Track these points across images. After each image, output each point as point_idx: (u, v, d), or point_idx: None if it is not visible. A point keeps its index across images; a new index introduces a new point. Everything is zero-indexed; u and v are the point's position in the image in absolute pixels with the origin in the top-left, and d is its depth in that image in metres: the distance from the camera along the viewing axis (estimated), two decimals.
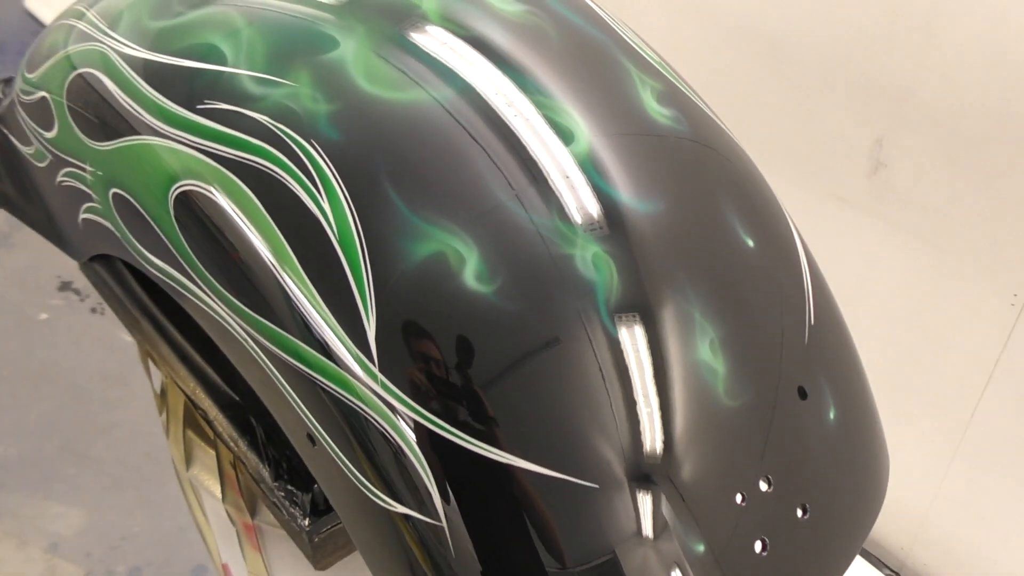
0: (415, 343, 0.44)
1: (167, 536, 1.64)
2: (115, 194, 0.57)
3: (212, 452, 0.64)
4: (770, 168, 0.59)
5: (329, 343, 0.45)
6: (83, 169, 0.60)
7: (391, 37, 0.52)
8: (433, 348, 0.44)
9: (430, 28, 0.52)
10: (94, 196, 0.60)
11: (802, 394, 0.50)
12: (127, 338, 1.93)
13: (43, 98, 0.62)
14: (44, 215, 0.73)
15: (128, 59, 0.54)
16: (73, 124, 0.59)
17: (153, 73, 0.53)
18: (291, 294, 0.46)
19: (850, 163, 1.33)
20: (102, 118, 0.56)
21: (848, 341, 0.56)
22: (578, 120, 0.50)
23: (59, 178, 0.64)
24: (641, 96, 0.53)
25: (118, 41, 0.56)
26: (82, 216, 0.64)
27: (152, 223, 0.53)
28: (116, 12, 0.58)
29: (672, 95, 0.55)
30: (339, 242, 0.46)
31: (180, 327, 0.65)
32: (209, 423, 0.61)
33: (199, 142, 0.50)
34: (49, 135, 0.62)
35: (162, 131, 0.51)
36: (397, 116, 0.48)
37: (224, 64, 0.51)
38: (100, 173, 0.58)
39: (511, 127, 0.49)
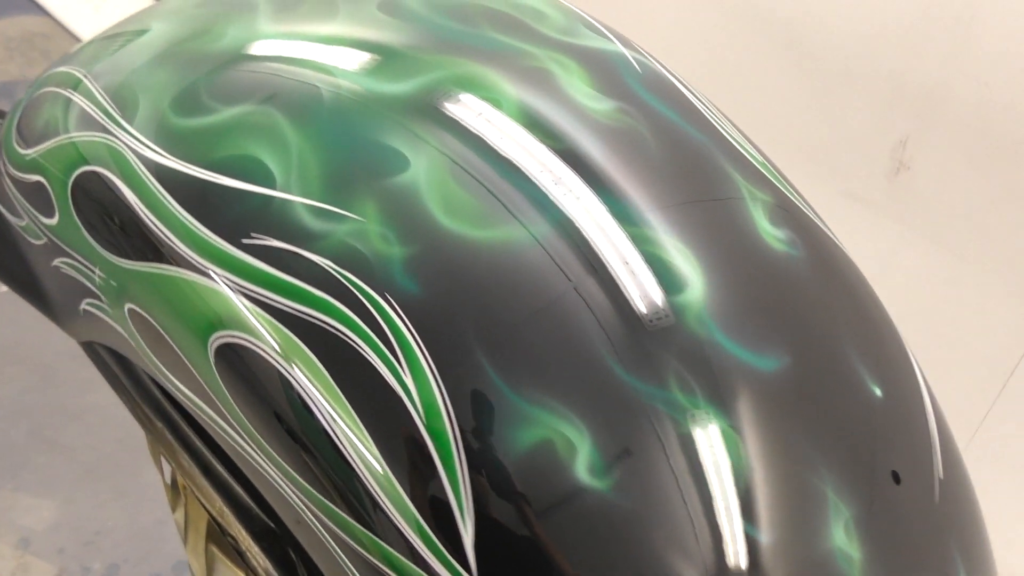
0: (521, 553, 0.38)
1: (144, 530, 1.58)
2: (132, 310, 0.49)
3: (241, 575, 0.58)
4: (784, 162, 0.53)
5: (415, 547, 0.39)
6: (90, 269, 0.52)
7: (470, 150, 0.44)
8: (543, 560, 0.38)
9: (515, 137, 0.44)
10: (103, 299, 0.52)
11: (938, 568, 0.44)
12: None
13: (41, 183, 0.53)
14: (33, 284, 0.64)
15: (151, 166, 0.46)
16: (80, 224, 0.50)
17: (184, 190, 0.45)
18: (367, 484, 0.39)
19: (871, 163, 1.27)
20: (121, 232, 0.47)
21: (970, 484, 0.50)
22: (690, 258, 0.43)
23: (57, 263, 0.56)
24: (753, 216, 0.46)
25: (136, 139, 0.47)
26: (84, 307, 0.56)
27: (184, 359, 0.46)
28: (128, 93, 0.49)
29: (783, 210, 0.48)
30: (426, 427, 0.39)
31: (203, 434, 0.58)
32: (240, 553, 0.54)
33: (247, 287, 0.42)
34: (48, 222, 0.54)
35: (199, 267, 0.43)
36: (485, 262, 0.41)
37: (272, 186, 0.43)
38: (114, 284, 0.50)
39: (618, 277, 0.42)
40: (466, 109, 0.45)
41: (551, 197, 0.43)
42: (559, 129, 0.45)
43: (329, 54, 0.48)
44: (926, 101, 1.20)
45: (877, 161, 1.27)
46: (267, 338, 0.41)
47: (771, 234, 0.46)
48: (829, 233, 0.50)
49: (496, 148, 0.44)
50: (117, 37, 0.55)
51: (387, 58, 0.47)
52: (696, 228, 0.44)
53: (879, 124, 1.25)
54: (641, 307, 0.41)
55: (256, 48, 0.49)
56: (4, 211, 0.61)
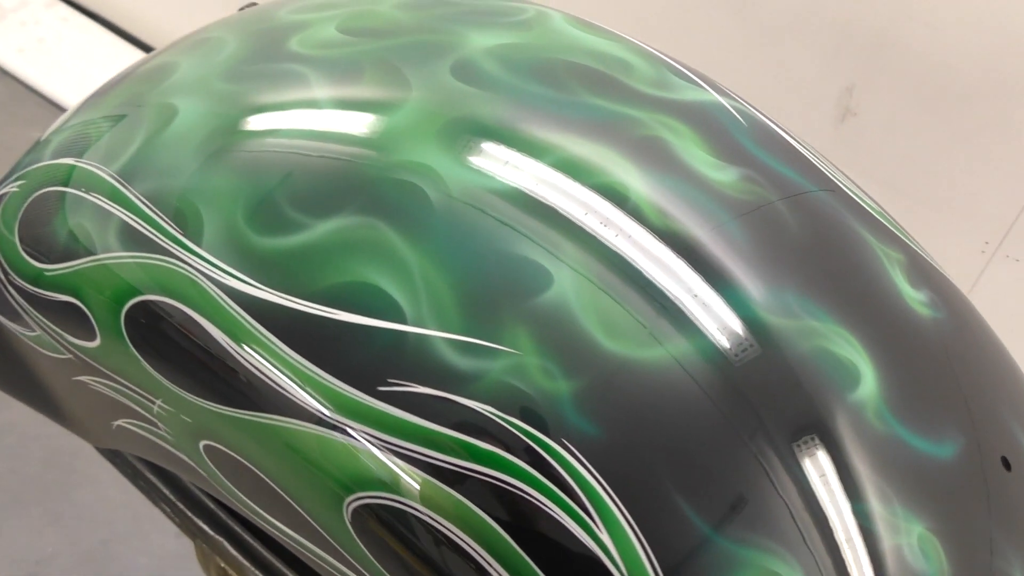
0: None
1: (89, 553, 1.49)
2: (212, 447, 0.43)
3: None
4: None
5: None
6: (147, 399, 0.45)
7: (610, 253, 0.39)
8: None
9: (653, 232, 0.40)
10: (161, 427, 0.46)
11: None
12: None
13: (73, 305, 0.45)
14: (32, 387, 0.56)
15: (241, 299, 0.39)
16: (138, 356, 0.43)
17: (290, 328, 0.38)
18: None
19: (816, 110, 1.27)
20: (206, 373, 0.41)
21: None
22: (855, 344, 0.40)
23: (84, 379, 0.49)
24: (894, 280, 0.43)
25: (211, 265, 0.40)
26: (121, 424, 0.49)
27: (299, 510, 0.40)
28: (185, 205, 0.42)
29: (916, 267, 0.45)
30: None
31: (268, 542, 0.52)
32: None
33: (394, 443, 0.37)
34: (84, 344, 0.46)
35: (327, 420, 0.37)
36: (660, 387, 0.37)
37: (401, 320, 0.37)
38: (187, 420, 0.43)
39: (798, 384, 0.38)
40: (592, 202, 0.40)
41: (707, 300, 0.39)
42: (694, 215, 0.41)
43: (415, 139, 0.42)
44: (873, 47, 1.19)
45: (823, 108, 1.26)
46: (428, 499, 0.36)
47: (914, 298, 0.43)
48: (949, 278, 0.48)
49: (637, 247, 0.39)
50: (133, 121, 0.47)
51: (486, 141, 0.42)
52: (851, 306, 0.41)
53: (825, 71, 1.23)
54: (827, 417, 0.38)
55: (326, 136, 0.43)
56: (9, 323, 0.52)
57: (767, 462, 0.36)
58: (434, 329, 0.37)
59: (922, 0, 1.12)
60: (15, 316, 0.51)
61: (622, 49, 0.49)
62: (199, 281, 0.40)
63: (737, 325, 0.38)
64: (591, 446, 0.36)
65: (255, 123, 0.44)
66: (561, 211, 0.40)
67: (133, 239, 0.43)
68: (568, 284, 0.38)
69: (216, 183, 0.42)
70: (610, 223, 0.40)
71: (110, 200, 0.44)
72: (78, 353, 0.48)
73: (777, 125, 0.49)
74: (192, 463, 0.45)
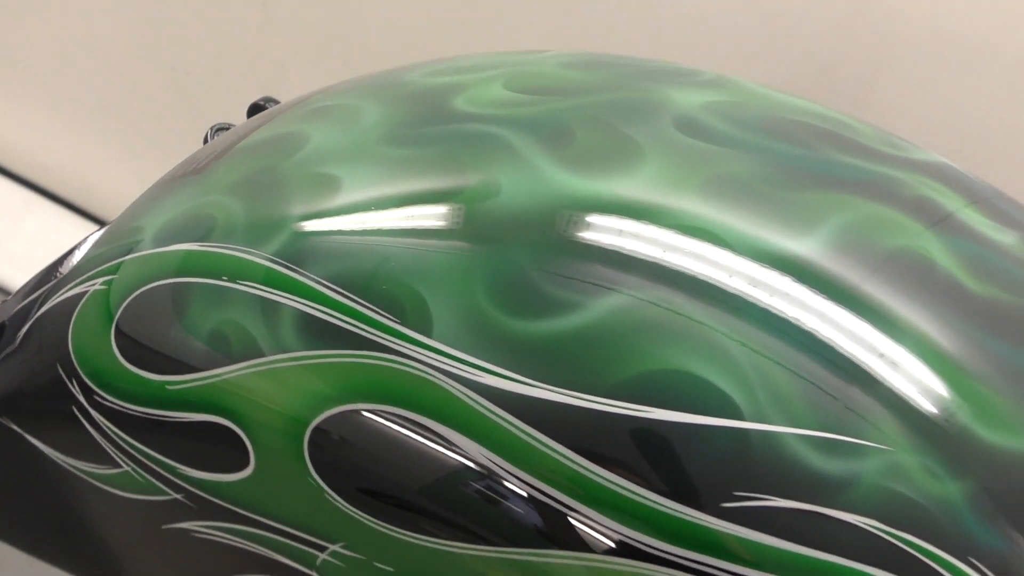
0: None
1: None
2: None
3: None
4: None
5: None
6: (312, 545, 0.34)
7: (957, 328, 0.33)
8: None
9: (978, 304, 0.34)
10: None
11: None
12: None
13: (214, 425, 0.35)
14: (50, 530, 0.45)
15: (504, 400, 0.30)
16: (323, 486, 0.33)
17: (587, 435, 0.29)
18: None
19: None
20: (455, 502, 0.31)
21: None
22: None
23: (190, 527, 0.38)
24: None
25: (452, 359, 0.31)
26: None
27: None
28: (397, 288, 0.32)
29: None
30: None
31: None
32: None
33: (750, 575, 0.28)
34: (217, 479, 0.35)
35: (651, 551, 0.28)
36: None
37: (738, 415, 0.29)
38: (388, 569, 0.33)
39: None
40: (905, 269, 0.34)
41: None
42: (1009, 282, 0.35)
43: (677, 202, 0.34)
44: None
45: None
46: None
47: None
48: None
49: (972, 316, 0.33)
50: (275, 196, 0.37)
51: (757, 202, 0.35)
52: None
53: None
54: None
55: (564, 199, 0.34)
56: (62, 456, 0.41)
57: None
58: (782, 425, 0.29)
59: None
60: (86, 451, 0.39)
61: (827, 109, 0.43)
62: (436, 380, 0.31)
63: None
64: (999, 564, 0.28)
65: (458, 190, 0.35)
66: (876, 275, 0.33)
67: (323, 334, 0.33)
68: (920, 359, 0.31)
69: (437, 260, 0.33)
70: (936, 289, 0.33)
71: (274, 288, 0.34)
72: (198, 491, 0.36)
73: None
74: None
